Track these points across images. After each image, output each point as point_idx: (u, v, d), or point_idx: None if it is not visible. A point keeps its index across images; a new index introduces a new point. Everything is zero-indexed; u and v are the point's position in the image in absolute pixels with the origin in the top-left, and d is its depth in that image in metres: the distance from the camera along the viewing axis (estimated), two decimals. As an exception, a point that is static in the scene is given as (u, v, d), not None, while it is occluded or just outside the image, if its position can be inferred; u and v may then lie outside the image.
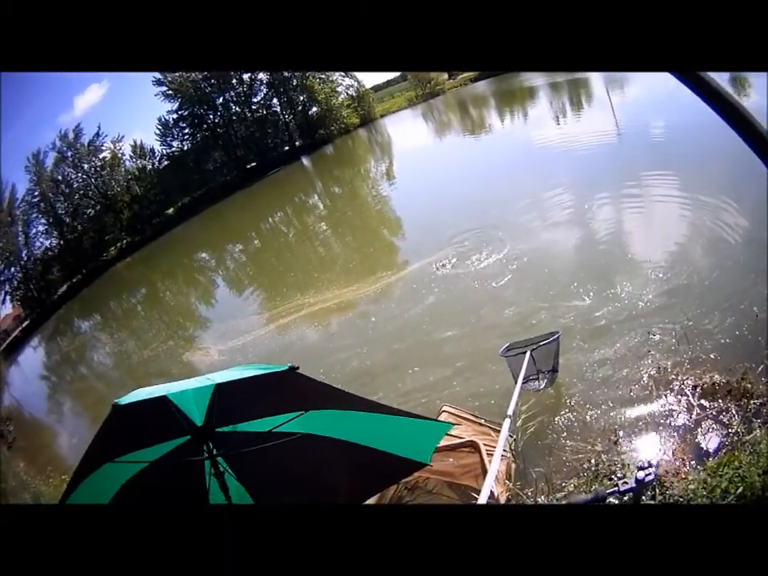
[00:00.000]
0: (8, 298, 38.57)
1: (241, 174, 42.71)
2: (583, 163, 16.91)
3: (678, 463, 5.76)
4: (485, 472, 5.52)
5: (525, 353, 7.43)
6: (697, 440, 6.27)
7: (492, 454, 6.13)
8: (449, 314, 11.47)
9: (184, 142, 46.65)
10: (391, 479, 3.98)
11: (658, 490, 5.09)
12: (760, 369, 6.63)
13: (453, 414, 7.34)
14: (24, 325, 34.92)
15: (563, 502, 5.59)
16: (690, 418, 6.61)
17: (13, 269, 39.71)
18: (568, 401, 7.66)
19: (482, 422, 7.21)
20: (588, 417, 7.31)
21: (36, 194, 41.73)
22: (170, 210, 43.08)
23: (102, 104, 47.49)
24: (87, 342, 24.06)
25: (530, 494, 6.13)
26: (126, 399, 2.72)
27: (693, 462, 5.78)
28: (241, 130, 45.94)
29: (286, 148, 44.17)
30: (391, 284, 14.06)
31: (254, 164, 43.61)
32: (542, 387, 7.90)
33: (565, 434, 7.24)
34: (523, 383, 7.19)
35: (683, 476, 5.33)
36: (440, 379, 9.44)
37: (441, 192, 19.29)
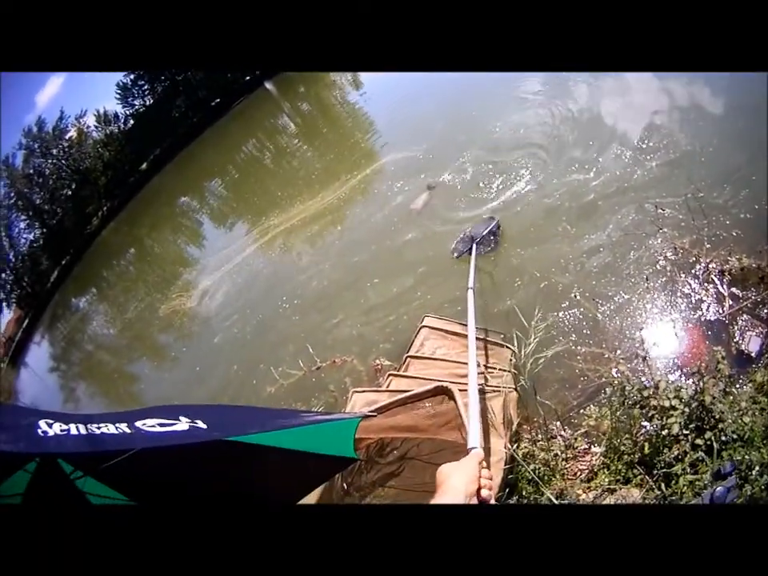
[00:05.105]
0: (4, 304, 39.41)
1: (207, 114, 40.68)
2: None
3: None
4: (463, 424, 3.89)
5: (470, 250, 7.34)
6: (735, 340, 4.89)
7: (482, 391, 4.66)
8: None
9: (145, 98, 46.51)
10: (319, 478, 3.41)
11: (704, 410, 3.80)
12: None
13: (435, 328, 5.95)
14: (24, 324, 34.91)
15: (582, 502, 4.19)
16: (722, 311, 5.20)
17: (3, 275, 40.56)
18: (574, 294, 6.17)
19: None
20: (599, 314, 5.86)
21: (12, 195, 42.36)
22: (144, 165, 42.14)
23: (63, 90, 47.89)
24: (86, 317, 23.64)
25: (541, 422, 4.85)
26: None
27: (734, 370, 4.31)
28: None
29: (248, 78, 41.71)
30: (355, 186, 12.84)
31: (218, 100, 41.65)
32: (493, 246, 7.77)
33: (574, 336, 5.82)
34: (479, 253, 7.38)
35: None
36: (403, 291, 8.30)
37: (414, 94, 16.66)
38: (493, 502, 1.67)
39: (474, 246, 7.44)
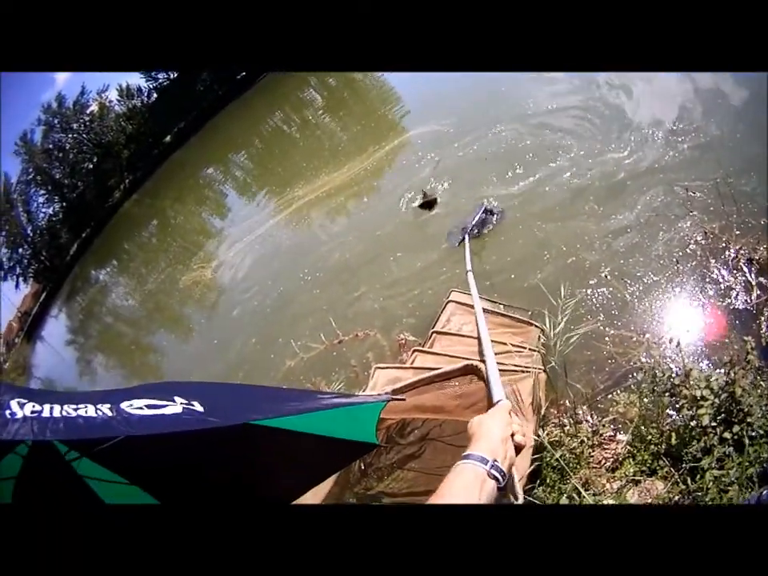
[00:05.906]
0: (21, 279, 39.94)
1: (233, 87, 40.24)
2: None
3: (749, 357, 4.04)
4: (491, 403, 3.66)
5: (464, 238, 7.59)
6: (762, 331, 4.66)
7: (512, 370, 4.46)
8: (445, 186, 9.96)
9: (170, 72, 45.73)
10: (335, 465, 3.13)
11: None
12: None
13: (463, 303, 5.74)
14: (42, 298, 35.41)
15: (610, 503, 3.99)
16: (750, 300, 5.02)
17: (21, 249, 40.76)
18: (605, 275, 5.99)
19: (500, 309, 5.65)
20: (627, 294, 5.69)
21: (30, 170, 42.47)
22: (168, 138, 42.07)
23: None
24: (105, 289, 23.95)
25: (568, 406, 4.70)
26: None
27: (762, 363, 4.11)
28: (225, 43, 43.85)
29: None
30: (382, 158, 12.65)
31: (243, 74, 40.90)
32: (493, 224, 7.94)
33: (602, 316, 5.65)
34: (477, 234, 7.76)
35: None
36: (428, 265, 8.15)
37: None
38: (528, 449, 1.60)
39: (467, 235, 7.54)
